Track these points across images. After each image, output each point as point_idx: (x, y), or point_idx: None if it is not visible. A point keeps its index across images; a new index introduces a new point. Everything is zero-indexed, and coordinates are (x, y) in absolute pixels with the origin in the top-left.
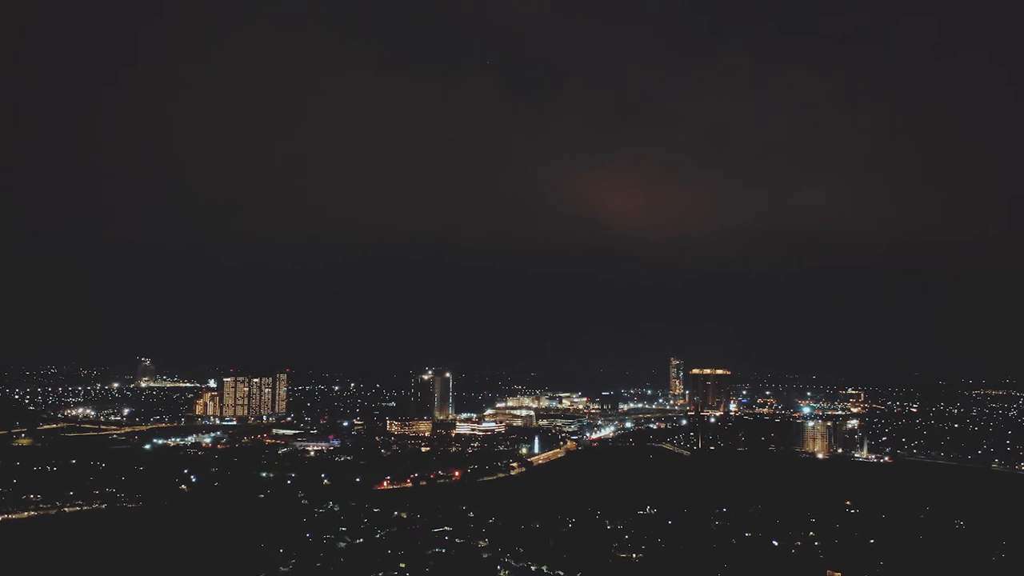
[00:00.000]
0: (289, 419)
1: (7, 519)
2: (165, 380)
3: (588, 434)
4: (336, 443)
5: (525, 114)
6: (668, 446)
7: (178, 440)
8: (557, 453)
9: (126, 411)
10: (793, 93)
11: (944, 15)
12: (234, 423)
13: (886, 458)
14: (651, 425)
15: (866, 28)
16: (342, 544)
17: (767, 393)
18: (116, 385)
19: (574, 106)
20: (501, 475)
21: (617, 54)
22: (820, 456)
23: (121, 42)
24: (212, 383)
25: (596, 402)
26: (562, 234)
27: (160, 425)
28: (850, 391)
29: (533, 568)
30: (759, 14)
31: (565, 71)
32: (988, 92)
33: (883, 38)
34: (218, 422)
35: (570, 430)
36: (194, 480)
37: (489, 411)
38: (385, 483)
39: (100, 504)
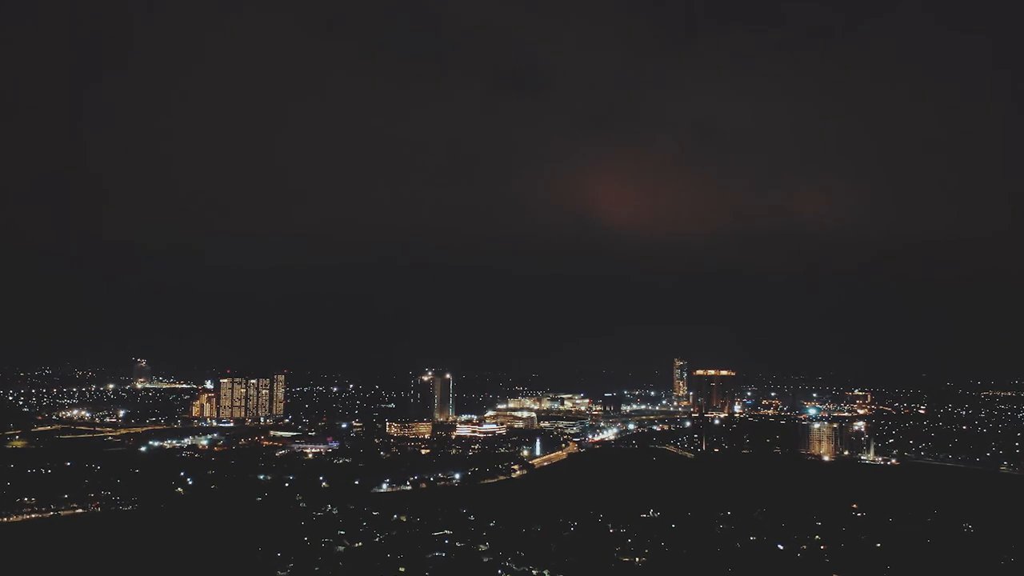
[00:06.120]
0: (287, 421)
1: (1, 522)
2: (161, 381)
3: (590, 436)
4: (334, 445)
5: (520, 113)
6: (671, 448)
7: (174, 442)
8: (559, 455)
9: (122, 413)
10: (792, 91)
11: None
12: (231, 425)
13: (893, 460)
14: (654, 427)
15: (864, 21)
16: (340, 548)
17: (772, 394)
18: (112, 386)
19: (568, 104)
20: (502, 477)
21: (607, 53)
22: (826, 458)
23: (115, 42)
24: (209, 384)
25: (598, 404)
26: (562, 234)
27: (156, 427)
28: (856, 392)
29: (535, 572)
30: (758, 11)
31: (556, 70)
32: (989, 87)
33: (882, 33)
34: (215, 424)
35: (572, 432)
36: (190, 483)
37: (490, 413)
38: (384, 486)
39: (96, 507)
